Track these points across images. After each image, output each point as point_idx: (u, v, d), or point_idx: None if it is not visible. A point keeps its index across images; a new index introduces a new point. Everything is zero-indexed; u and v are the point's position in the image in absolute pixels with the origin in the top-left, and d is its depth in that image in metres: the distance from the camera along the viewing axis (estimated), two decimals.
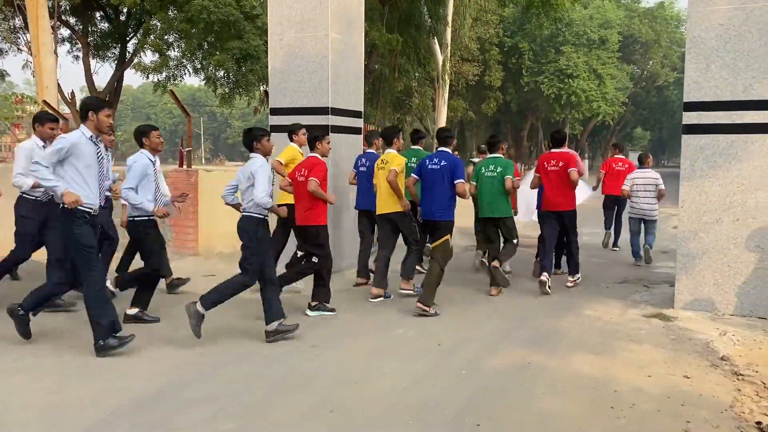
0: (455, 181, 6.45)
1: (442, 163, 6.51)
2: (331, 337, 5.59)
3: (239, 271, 5.48)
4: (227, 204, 5.85)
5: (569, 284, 7.70)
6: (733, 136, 6.29)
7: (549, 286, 7.24)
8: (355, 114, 8.61)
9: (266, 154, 5.64)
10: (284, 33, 8.26)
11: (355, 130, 8.61)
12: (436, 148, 6.90)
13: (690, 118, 6.49)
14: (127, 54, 16.38)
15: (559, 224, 7.60)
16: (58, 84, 12.75)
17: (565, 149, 7.70)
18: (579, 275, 7.82)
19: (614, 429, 3.83)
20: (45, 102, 11.77)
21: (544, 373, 4.76)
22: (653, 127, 56.45)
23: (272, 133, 8.31)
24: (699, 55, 6.40)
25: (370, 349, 5.27)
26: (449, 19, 21.63)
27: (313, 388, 4.41)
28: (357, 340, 5.52)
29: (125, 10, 15.89)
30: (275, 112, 8.39)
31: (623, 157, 11.02)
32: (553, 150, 7.66)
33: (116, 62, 16.63)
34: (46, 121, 6.29)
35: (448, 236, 6.52)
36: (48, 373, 4.62)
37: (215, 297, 5.34)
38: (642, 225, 9.39)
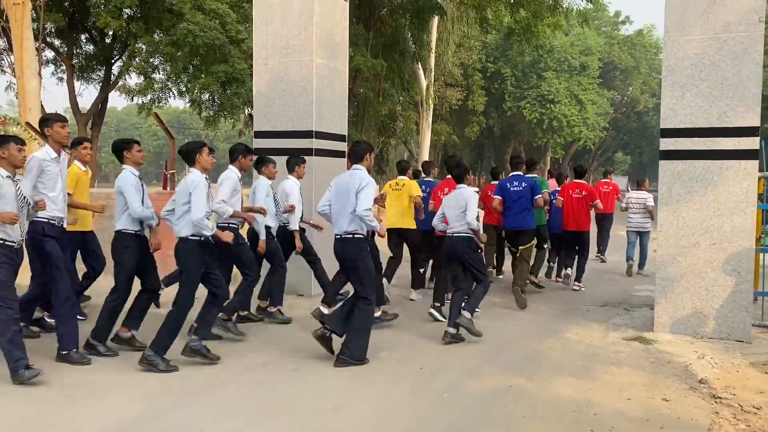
0: (535, 197, 7.94)
1: (523, 185, 7.99)
2: (312, 360, 5.57)
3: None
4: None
5: (576, 288, 9.23)
6: (709, 162, 6.43)
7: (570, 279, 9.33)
8: (339, 138, 8.68)
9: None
10: (269, 58, 8.34)
11: (339, 154, 8.67)
12: (511, 173, 8.39)
13: (667, 144, 6.63)
14: (112, 76, 16.38)
15: (577, 242, 9.29)
16: (42, 106, 12.70)
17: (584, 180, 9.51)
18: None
19: None
20: (28, 124, 11.71)
21: (525, 396, 4.78)
22: (633, 152, 57.30)
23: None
24: (675, 83, 6.57)
25: (351, 373, 5.26)
26: (433, 45, 21.93)
27: (294, 414, 4.39)
28: (336, 369, 5.48)
29: (111, 32, 15.97)
30: (260, 135, 8.44)
31: (609, 180, 12.61)
32: (576, 180, 9.45)
33: (101, 84, 16.63)
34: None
35: (533, 241, 8.24)
36: (27, 397, 4.56)
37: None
38: (638, 236, 10.82)
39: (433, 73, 23.75)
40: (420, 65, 21.89)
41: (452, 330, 6.17)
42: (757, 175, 6.42)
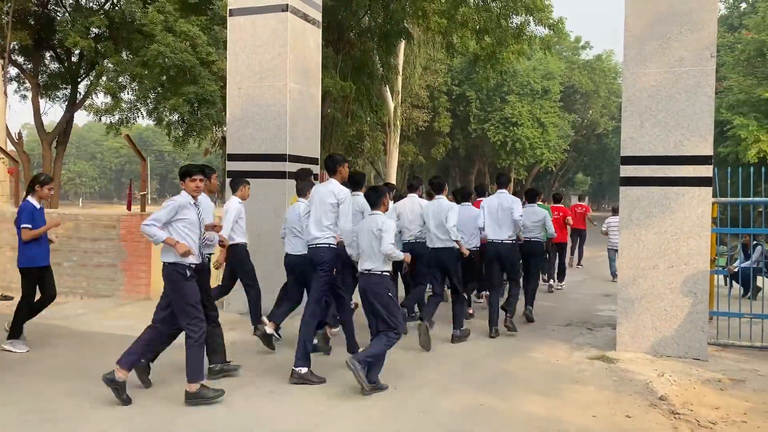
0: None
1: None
2: (287, 383, 5.64)
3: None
4: None
5: (560, 287, 11.57)
6: (666, 188, 6.78)
7: None
8: (312, 161, 8.83)
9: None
10: (243, 82, 8.48)
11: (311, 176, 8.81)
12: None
13: (627, 171, 6.97)
14: (78, 95, 16.24)
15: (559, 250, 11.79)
16: (6, 125, 12.55)
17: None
18: None
19: None
20: None
21: (495, 414, 4.96)
22: (593, 173, 58.77)
23: (230, 179, 8.48)
24: (634, 113, 6.93)
25: (327, 393, 5.37)
26: (400, 67, 22.35)
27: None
28: (311, 389, 5.57)
29: (78, 51, 15.87)
30: (233, 158, 8.53)
31: (582, 203, 16.22)
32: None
33: (66, 103, 16.46)
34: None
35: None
36: (4, 423, 4.55)
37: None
38: (616, 253, 11.59)
39: (400, 95, 24.18)
40: (387, 87, 22.28)
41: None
42: (711, 201, 6.80)
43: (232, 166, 8.51)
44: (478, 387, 5.64)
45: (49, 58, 17.14)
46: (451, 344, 7.25)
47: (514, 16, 14.93)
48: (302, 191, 6.70)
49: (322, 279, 5.86)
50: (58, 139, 16.21)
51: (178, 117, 12.66)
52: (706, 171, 6.66)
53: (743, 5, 32.13)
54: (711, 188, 6.72)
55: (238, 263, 7.06)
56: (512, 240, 7.82)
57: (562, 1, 22.62)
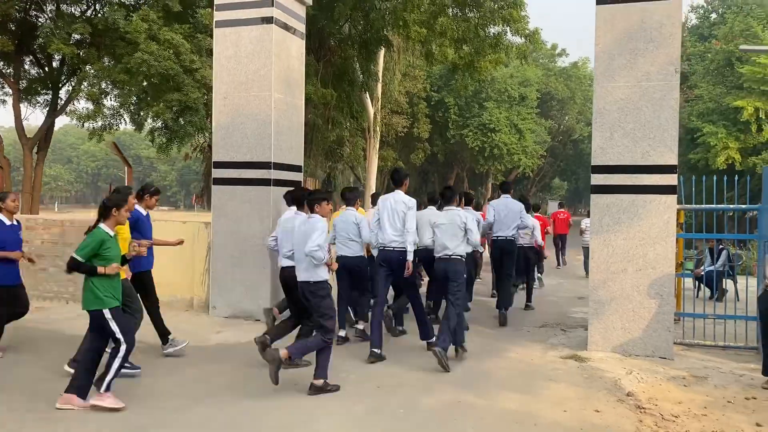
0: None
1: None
2: (269, 383, 5.86)
3: None
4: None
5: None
6: (634, 195, 7.15)
7: None
8: (296, 168, 9.08)
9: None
10: (229, 92, 8.70)
11: (296, 184, 9.05)
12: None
13: (597, 179, 7.33)
14: (59, 101, 16.26)
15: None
16: None
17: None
18: None
19: None
20: None
21: (473, 410, 5.26)
22: (570, 178, 59.63)
23: (215, 186, 8.70)
24: (604, 124, 7.29)
25: (312, 392, 5.62)
26: (380, 74, 22.66)
27: (264, 427, 4.73)
28: (298, 386, 5.82)
29: (59, 57, 15.92)
30: (218, 165, 8.75)
31: (563, 210, 17.92)
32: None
33: (48, 108, 16.48)
34: None
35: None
36: (3, 423, 4.73)
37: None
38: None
39: (380, 101, 24.48)
40: (367, 94, 22.57)
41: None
42: (676, 207, 7.19)
43: (218, 173, 8.73)
44: (457, 385, 5.93)
45: (28, 63, 17.14)
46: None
47: (492, 26, 15.33)
48: (352, 201, 7.54)
49: (406, 275, 7.00)
50: (39, 145, 16.23)
51: (162, 124, 12.79)
52: (671, 180, 7.05)
53: (713, 16, 33.03)
54: (676, 196, 7.11)
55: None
56: (514, 237, 9.21)
57: (539, 8, 23.15)
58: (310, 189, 7.74)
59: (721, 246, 11.62)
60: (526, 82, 35.46)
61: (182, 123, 12.83)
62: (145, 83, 12.76)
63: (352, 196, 7.56)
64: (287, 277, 6.43)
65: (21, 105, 16.12)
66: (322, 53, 17.40)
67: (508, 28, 15.13)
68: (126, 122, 15.28)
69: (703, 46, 30.46)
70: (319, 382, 5.58)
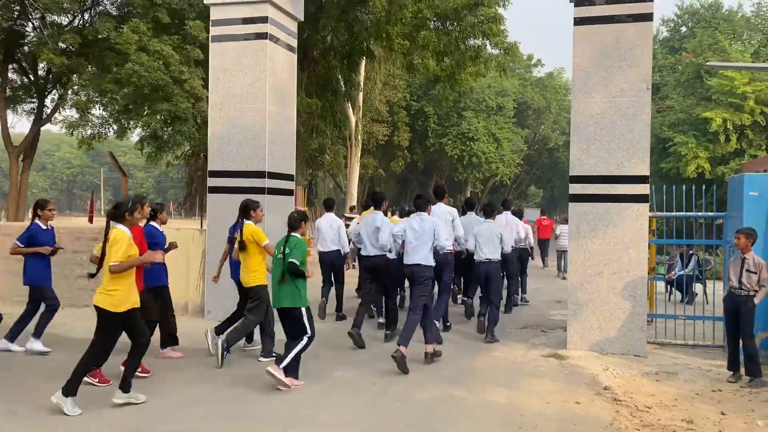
0: None
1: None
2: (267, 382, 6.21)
3: None
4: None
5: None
6: (609, 204, 7.65)
7: None
8: (288, 177, 9.44)
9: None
10: (224, 104, 9.04)
11: (288, 192, 9.43)
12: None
13: (575, 189, 7.82)
14: (46, 109, 16.38)
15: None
16: None
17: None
18: None
19: None
20: None
21: (463, 403, 5.67)
22: (545, 186, 60.63)
23: (210, 194, 9.02)
24: (581, 137, 7.79)
25: (313, 390, 5.99)
26: (361, 83, 23.13)
27: (271, 421, 5.09)
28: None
29: (45, 66, 16.08)
30: (214, 174, 9.08)
31: (545, 217, 19.90)
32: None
33: (34, 117, 16.60)
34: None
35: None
36: (7, 423, 5.01)
37: None
38: (563, 254, 15.84)
39: (361, 110, 24.95)
40: (349, 103, 23.02)
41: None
42: (648, 215, 7.71)
43: (213, 182, 9.05)
44: (447, 381, 6.35)
45: (12, 71, 17.23)
46: (420, 347, 7.94)
47: (472, 40, 15.87)
48: (379, 204, 8.42)
49: (445, 277, 8.26)
50: (24, 153, 16.33)
51: (151, 133, 13.04)
52: (643, 189, 7.56)
53: (683, 29, 34.15)
54: (648, 204, 7.62)
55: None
56: (511, 250, 9.78)
57: (517, 17, 23.80)
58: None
59: (691, 251, 12.23)
60: (504, 92, 36.25)
61: (171, 132, 13.08)
62: (134, 93, 12.99)
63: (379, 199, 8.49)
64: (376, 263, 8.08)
65: (7, 112, 16.21)
66: (307, 63, 17.76)
67: (487, 42, 15.68)
68: (114, 131, 15.49)
69: (674, 59, 31.47)
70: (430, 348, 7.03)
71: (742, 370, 6.65)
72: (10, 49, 15.58)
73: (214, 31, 9.12)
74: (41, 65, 16.27)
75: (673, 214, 8.62)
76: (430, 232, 7.06)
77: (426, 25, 15.44)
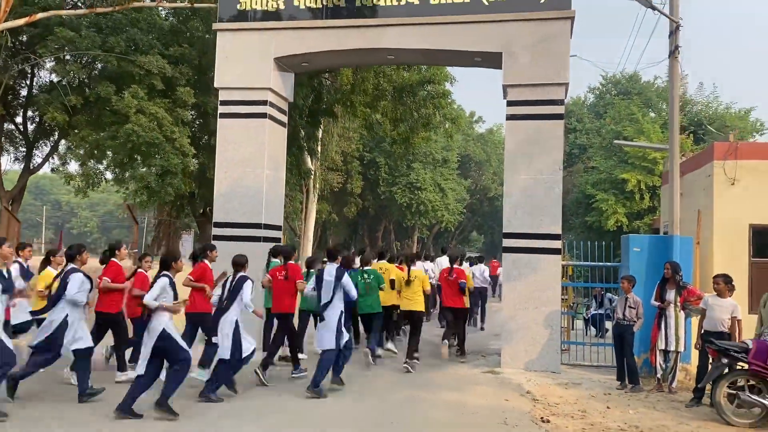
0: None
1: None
2: (284, 386, 8.21)
3: None
4: None
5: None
6: (532, 255, 10.03)
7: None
8: (278, 228, 11.52)
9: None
10: (229, 168, 11.07)
11: (277, 239, 11.47)
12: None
13: (507, 242, 10.19)
14: (35, 158, 17.96)
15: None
16: None
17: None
18: None
19: (467, 422, 6.98)
20: None
21: (426, 401, 7.85)
22: (486, 232, 64.04)
23: (215, 241, 10.96)
24: (511, 204, 10.20)
25: (301, 391, 8.01)
26: (320, 136, 25.50)
27: (273, 416, 7.11)
28: (298, 386, 8.17)
29: (36, 120, 17.76)
30: (218, 225, 11.05)
31: (497, 260, 23.17)
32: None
33: (24, 163, 18.12)
34: None
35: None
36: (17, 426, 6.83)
37: None
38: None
39: (318, 160, 27.24)
40: (310, 155, 25.29)
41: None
42: (561, 264, 10.12)
43: (218, 231, 11.02)
44: (412, 387, 8.52)
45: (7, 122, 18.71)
46: (394, 367, 10.07)
47: (424, 110, 18.50)
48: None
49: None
50: (14, 200, 17.81)
51: (146, 184, 14.81)
52: (557, 244, 10.00)
53: (608, 95, 38.21)
54: (560, 256, 10.05)
55: None
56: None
57: (458, 73, 26.60)
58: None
59: (602, 292, 14.82)
60: (448, 146, 39.36)
61: (162, 184, 14.94)
62: (131, 149, 14.85)
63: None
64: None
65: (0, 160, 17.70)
66: None
67: (437, 112, 18.34)
68: (106, 181, 17.18)
69: (599, 123, 35.25)
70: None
71: (627, 381, 9.04)
72: (7, 107, 17.22)
73: (222, 109, 11.19)
74: (31, 119, 17.90)
75: (581, 263, 11.12)
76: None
77: (385, 96, 17.97)
